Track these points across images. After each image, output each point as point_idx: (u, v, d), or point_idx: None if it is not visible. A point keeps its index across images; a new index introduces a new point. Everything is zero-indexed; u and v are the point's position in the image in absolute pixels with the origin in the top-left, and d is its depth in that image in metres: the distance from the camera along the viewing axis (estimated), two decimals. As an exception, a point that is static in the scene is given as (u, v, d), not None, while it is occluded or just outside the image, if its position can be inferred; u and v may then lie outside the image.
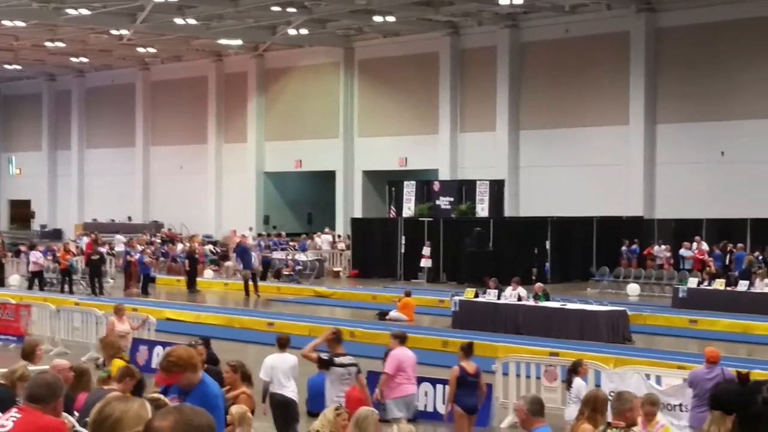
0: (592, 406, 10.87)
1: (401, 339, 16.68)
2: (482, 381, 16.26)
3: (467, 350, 16.26)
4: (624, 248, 44.48)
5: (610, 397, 11.58)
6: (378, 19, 57.25)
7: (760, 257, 40.78)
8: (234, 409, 12.42)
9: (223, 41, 66.00)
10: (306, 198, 72.03)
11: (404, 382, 16.00)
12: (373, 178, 66.23)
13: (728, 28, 51.84)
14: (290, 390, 15.82)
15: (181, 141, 75.73)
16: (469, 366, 16.00)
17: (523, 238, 45.31)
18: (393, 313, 32.47)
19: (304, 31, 61.36)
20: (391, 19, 57.18)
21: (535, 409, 9.82)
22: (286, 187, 72.03)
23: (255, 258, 44.11)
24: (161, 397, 8.58)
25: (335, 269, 50.77)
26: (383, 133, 65.17)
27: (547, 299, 30.13)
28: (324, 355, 15.08)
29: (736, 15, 51.61)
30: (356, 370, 15.20)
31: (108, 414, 4.89)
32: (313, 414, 16.22)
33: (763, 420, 4.28)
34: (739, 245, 42.09)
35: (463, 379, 15.83)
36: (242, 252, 42.23)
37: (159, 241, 58.89)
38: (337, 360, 14.99)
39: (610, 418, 10.30)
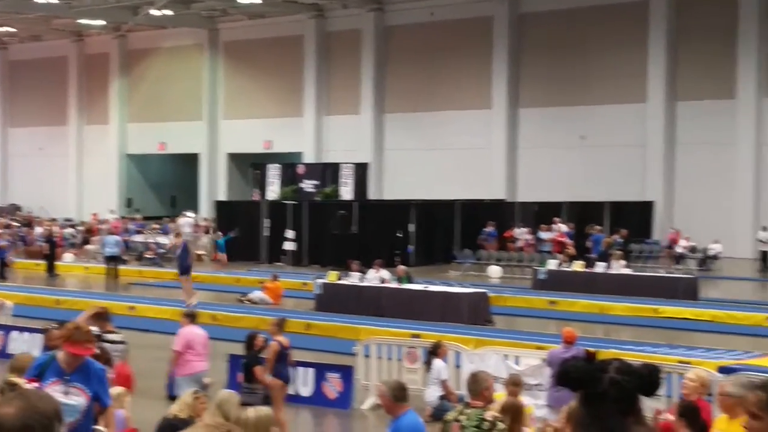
0: (513, 414, 11.05)
1: (191, 317, 16.90)
2: (291, 353, 17.06)
3: (281, 325, 17.09)
4: (486, 230, 44.93)
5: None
6: (242, 0, 56.84)
7: (620, 239, 41.58)
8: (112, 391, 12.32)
9: (84, 21, 64.80)
10: (170, 181, 71.35)
11: (193, 360, 16.29)
12: (238, 160, 65.91)
13: (588, 15, 52.79)
14: None
15: (41, 122, 74.27)
16: (284, 340, 16.74)
17: (387, 221, 45.47)
18: (257, 294, 32.35)
19: (167, 12, 60.61)
20: (256, 0, 56.83)
21: (398, 395, 9.87)
22: (149, 170, 71.22)
23: (120, 242, 43.57)
24: (18, 381, 8.42)
25: (198, 252, 50.30)
26: (248, 116, 64.87)
27: (410, 282, 30.32)
28: (93, 330, 15.30)
29: (595, 1, 52.59)
30: (124, 348, 15.47)
31: None
32: (174, 398, 16.17)
33: (608, 399, 4.37)
34: (597, 227, 42.87)
35: (281, 352, 16.48)
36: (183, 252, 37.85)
37: (17, 224, 57.65)
38: (105, 336, 15.22)
39: (467, 398, 10.39)
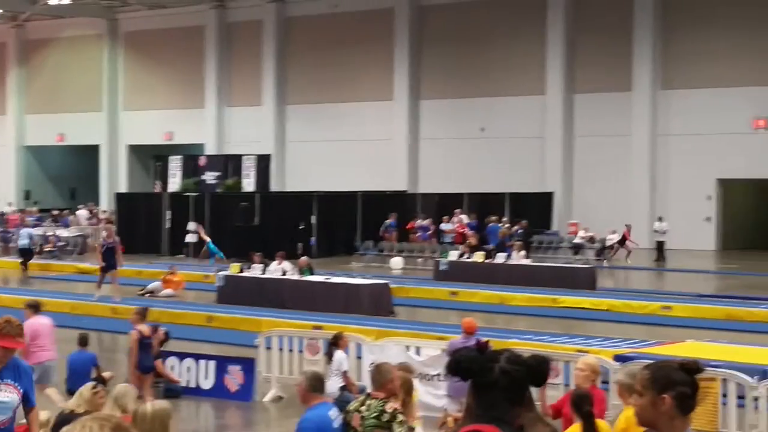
0: (406, 389, 11.13)
1: (35, 308, 16.90)
2: (155, 342, 17.54)
3: (143, 314, 17.53)
4: (387, 222, 45.06)
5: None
6: (142, -10, 56.35)
7: (520, 230, 42.01)
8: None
9: (-21, 10, 63.70)
10: (69, 173, 70.46)
11: (38, 350, 16.27)
12: (139, 152, 65.34)
13: (488, 7, 53.24)
14: None
15: (-64, 113, 72.85)
16: (145, 329, 17.20)
17: (289, 212, 45.42)
18: (156, 287, 32.15)
19: (65, 1, 59.79)
20: (155, -10, 56.36)
21: (314, 385, 9.89)
22: (48, 162, 70.26)
23: (32, 236, 43.10)
24: None
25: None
26: (149, 107, 64.31)
27: (312, 273, 30.33)
28: None
29: (495, -6, 53.08)
30: None
31: None
32: (72, 392, 16.06)
33: (498, 388, 4.48)
34: (493, 218, 43.21)
35: (142, 341, 16.93)
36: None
37: None
38: None
39: (370, 389, 10.46)
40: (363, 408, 9.70)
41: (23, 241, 41.54)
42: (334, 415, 10.01)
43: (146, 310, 17.99)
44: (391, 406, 9.66)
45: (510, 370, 4.47)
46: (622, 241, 43.86)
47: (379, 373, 10.16)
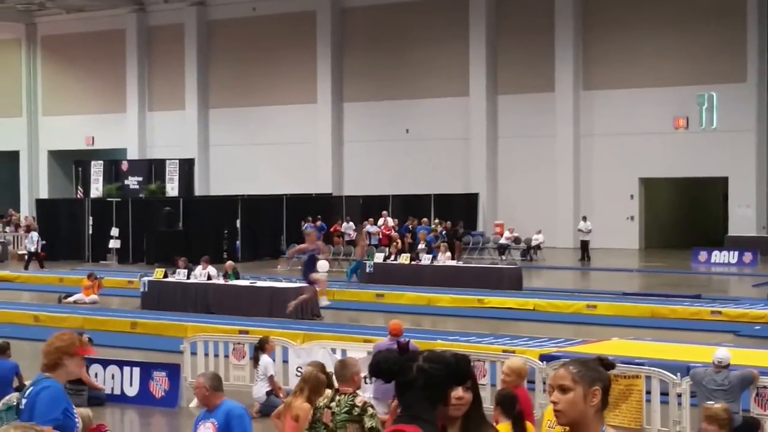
0: (312, 386, 11.05)
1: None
2: None
3: None
4: (316, 224, 44.90)
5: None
6: (61, -6, 55.76)
7: (444, 232, 42.11)
8: None
9: None
10: (-12, 179, 69.55)
11: None
12: (60, 157, 64.63)
13: (410, 9, 53.35)
14: None
15: None
16: None
17: (214, 216, 45.19)
18: (78, 297, 31.76)
19: (-18, 6, 59.05)
20: (74, -6, 55.79)
21: (217, 384, 9.96)
22: (-34, 169, 69.30)
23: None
24: None
25: (20, 252, 49.11)
26: (69, 112, 63.66)
27: (237, 277, 30.19)
28: None
29: (418, -3, 53.22)
30: None
31: None
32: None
33: (417, 387, 4.53)
34: (424, 219, 43.30)
35: None
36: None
37: None
38: None
39: (336, 384, 10.36)
40: (333, 404, 9.61)
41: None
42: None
43: None
44: (360, 400, 9.59)
45: (428, 369, 4.52)
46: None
47: (343, 367, 10.10)
